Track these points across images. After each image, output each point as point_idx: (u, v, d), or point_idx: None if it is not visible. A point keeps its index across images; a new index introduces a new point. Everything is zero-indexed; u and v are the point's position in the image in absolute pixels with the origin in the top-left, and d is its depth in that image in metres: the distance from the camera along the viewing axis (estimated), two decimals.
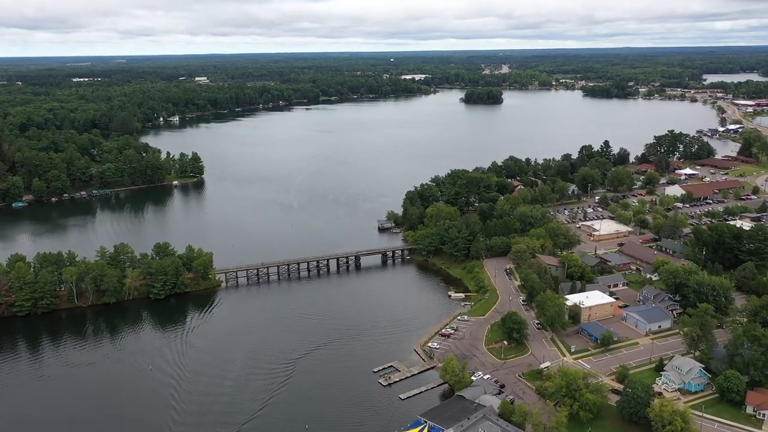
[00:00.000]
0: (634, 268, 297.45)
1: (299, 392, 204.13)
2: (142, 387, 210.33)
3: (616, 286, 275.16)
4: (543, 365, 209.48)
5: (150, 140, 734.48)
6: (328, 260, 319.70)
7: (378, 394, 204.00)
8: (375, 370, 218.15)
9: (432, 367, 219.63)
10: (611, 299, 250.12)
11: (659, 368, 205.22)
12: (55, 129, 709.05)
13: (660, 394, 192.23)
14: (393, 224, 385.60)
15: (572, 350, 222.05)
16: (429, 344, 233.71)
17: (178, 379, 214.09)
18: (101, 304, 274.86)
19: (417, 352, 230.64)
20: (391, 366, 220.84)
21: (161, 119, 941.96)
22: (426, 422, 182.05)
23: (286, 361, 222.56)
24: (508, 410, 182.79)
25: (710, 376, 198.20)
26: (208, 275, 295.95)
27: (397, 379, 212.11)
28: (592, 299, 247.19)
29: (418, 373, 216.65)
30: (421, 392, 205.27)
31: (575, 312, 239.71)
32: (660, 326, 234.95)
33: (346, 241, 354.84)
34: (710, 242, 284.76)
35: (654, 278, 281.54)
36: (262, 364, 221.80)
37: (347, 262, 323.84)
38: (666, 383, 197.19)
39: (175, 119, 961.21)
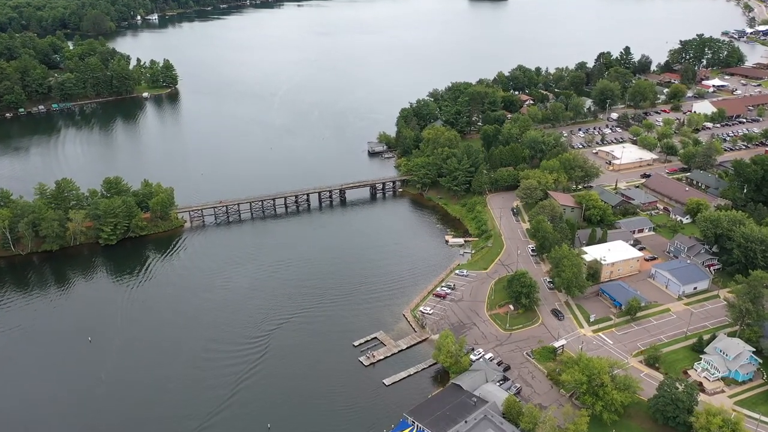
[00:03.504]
0: (662, 207, 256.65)
1: (268, 381, 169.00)
2: (69, 368, 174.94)
3: (641, 231, 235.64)
4: (557, 343, 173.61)
5: (125, 43, 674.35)
6: (308, 195, 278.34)
7: (359, 379, 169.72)
8: (356, 343, 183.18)
9: (423, 340, 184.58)
10: (638, 253, 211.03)
11: (698, 348, 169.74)
12: (18, 31, 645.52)
13: (700, 384, 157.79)
14: (385, 147, 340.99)
15: (591, 320, 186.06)
16: (421, 308, 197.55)
17: (116, 360, 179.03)
18: (42, 251, 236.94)
19: (406, 318, 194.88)
20: (375, 338, 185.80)
21: (138, 18, 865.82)
22: (414, 423, 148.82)
23: (256, 337, 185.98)
24: (514, 409, 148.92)
25: (761, 362, 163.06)
26: (168, 215, 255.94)
27: (382, 357, 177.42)
28: (615, 253, 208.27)
29: (407, 348, 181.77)
30: (410, 375, 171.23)
31: (595, 269, 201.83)
32: (696, 288, 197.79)
33: (332, 167, 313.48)
34: (754, 178, 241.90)
35: (685, 221, 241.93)
36: (225, 341, 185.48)
37: (330, 196, 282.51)
38: (707, 370, 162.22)
39: (154, 18, 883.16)
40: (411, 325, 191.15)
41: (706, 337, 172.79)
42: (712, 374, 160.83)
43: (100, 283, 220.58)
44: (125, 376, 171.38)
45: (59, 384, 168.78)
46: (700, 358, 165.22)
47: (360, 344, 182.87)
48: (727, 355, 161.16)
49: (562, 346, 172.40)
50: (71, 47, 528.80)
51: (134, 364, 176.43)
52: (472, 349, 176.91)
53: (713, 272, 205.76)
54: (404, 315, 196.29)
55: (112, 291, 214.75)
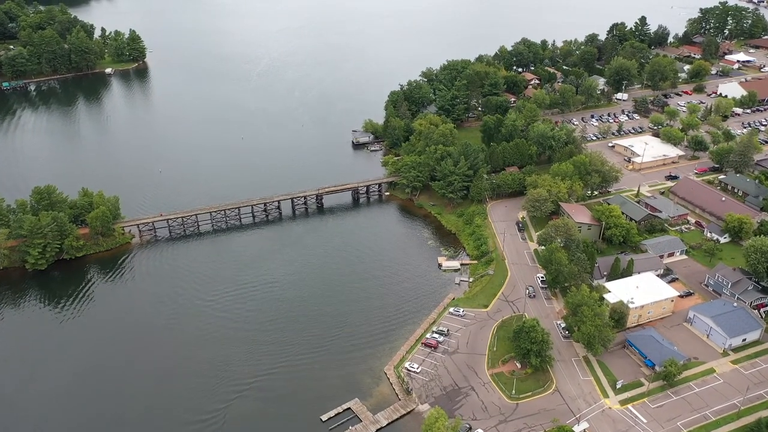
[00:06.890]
0: (693, 221, 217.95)
1: None
2: None
3: (671, 254, 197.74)
4: (577, 428, 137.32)
5: (99, 8, 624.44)
6: (279, 202, 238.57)
7: None
8: (325, 418, 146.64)
9: (408, 413, 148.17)
10: (672, 291, 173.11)
11: None
12: None
13: None
14: (371, 138, 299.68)
15: (618, 386, 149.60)
16: (406, 364, 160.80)
17: None
18: None
19: (388, 379, 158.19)
20: (349, 409, 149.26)
21: None
22: None
23: (207, 413, 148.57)
24: None
25: None
26: (111, 230, 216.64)
27: None
28: (644, 291, 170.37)
29: (387, 425, 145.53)
30: None
31: (620, 313, 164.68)
32: (745, 339, 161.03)
33: (310, 162, 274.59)
34: None
35: (723, 240, 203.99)
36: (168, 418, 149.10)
37: (305, 203, 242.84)
38: None
39: None
40: (394, 389, 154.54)
41: (765, 414, 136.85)
42: None
43: (19, 322, 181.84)
44: None
45: None
46: None
47: (329, 419, 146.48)
48: None
49: (584, 430, 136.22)
50: (27, 15, 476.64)
51: None
52: (470, 429, 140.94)
53: (764, 315, 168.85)
54: (386, 373, 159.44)
55: (33, 332, 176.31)
